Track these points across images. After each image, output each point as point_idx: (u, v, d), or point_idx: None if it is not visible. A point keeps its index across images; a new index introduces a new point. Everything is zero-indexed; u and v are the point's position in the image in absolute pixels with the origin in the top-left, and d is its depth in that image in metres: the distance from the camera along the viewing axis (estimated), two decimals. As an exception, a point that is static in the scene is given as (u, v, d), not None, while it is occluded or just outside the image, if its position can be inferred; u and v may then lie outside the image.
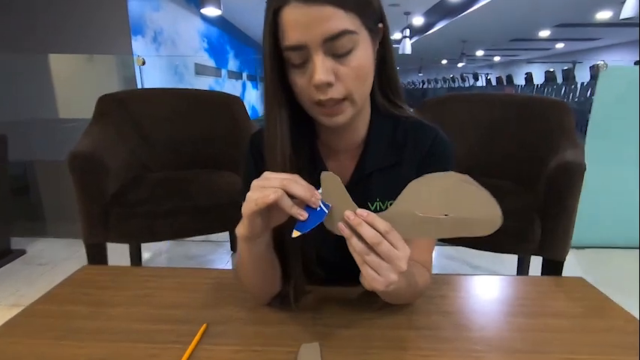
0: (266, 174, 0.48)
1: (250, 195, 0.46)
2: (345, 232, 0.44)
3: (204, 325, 0.56)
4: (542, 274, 1.19)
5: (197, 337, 0.54)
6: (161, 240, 1.34)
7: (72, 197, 1.19)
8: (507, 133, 1.36)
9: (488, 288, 0.71)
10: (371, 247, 0.43)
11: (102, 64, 2.60)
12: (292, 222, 0.46)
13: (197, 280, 0.72)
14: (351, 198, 0.48)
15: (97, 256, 1.22)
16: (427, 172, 0.62)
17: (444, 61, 18.33)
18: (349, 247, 0.44)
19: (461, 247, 1.75)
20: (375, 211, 0.47)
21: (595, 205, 1.96)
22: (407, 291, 0.56)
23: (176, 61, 4.86)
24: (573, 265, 1.86)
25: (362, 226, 0.43)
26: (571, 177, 1.04)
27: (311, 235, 0.61)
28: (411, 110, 0.65)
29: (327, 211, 0.46)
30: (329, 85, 0.50)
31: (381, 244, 0.42)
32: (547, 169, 1.12)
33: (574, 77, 7.25)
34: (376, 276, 0.43)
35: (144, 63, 2.09)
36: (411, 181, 0.62)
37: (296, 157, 0.56)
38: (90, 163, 1.14)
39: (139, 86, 2.43)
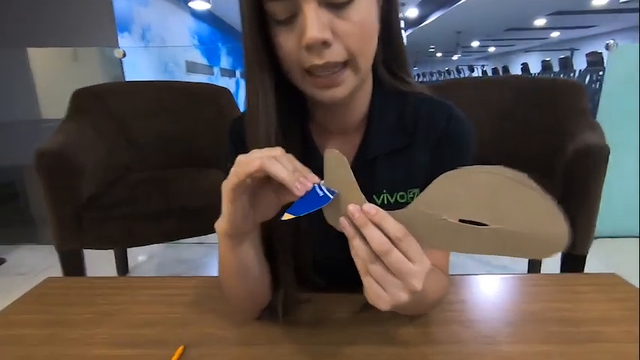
0: (253, 151, 0.38)
1: (231, 170, 0.37)
2: (348, 230, 0.34)
3: (180, 348, 0.47)
4: (561, 269, 1.09)
5: (169, 366, 0.44)
6: (144, 244, 1.24)
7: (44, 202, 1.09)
8: (518, 119, 1.26)
9: (513, 289, 0.62)
10: (378, 255, 0.33)
11: (87, 62, 2.49)
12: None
13: (175, 291, 0.62)
14: None
15: (72, 264, 1.12)
16: (443, 158, 0.52)
17: (439, 54, 18.22)
18: (351, 249, 0.35)
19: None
20: (382, 205, 0.37)
21: (607, 192, 1.86)
22: (419, 305, 0.47)
23: (166, 58, 4.74)
24: (596, 258, 1.77)
25: (368, 227, 0.33)
26: (593, 161, 0.94)
27: (306, 233, 0.51)
28: (420, 85, 0.55)
29: (331, 197, 0.36)
30: (325, 44, 0.39)
31: (390, 253, 0.33)
32: (565, 156, 1.02)
33: (572, 65, 7.17)
34: (381, 292, 0.33)
35: (124, 55, 1.98)
36: (422, 168, 0.52)
37: (283, 139, 0.46)
38: (60, 162, 1.04)
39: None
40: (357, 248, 0.34)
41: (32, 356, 0.47)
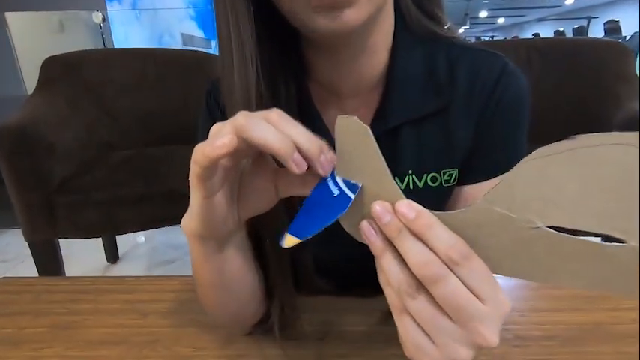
0: (238, 114, 0.25)
1: (197, 148, 0.24)
2: (373, 242, 0.22)
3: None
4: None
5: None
6: (127, 232, 1.13)
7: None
8: (552, 87, 1.10)
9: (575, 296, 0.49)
10: (422, 285, 0.21)
11: (73, 34, 2.33)
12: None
13: (150, 295, 0.51)
14: None
15: (44, 255, 1.01)
16: (491, 131, 0.38)
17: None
18: (378, 272, 0.23)
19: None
20: (408, 192, 0.24)
21: None
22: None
23: (160, 30, 4.52)
24: None
25: (406, 239, 0.21)
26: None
27: None
28: (453, 25, 0.41)
29: (352, 196, 0.23)
30: None
31: (445, 281, 0.20)
32: (610, 127, 0.89)
33: (587, 35, 6.84)
34: (426, 344, 0.21)
35: (104, 20, 1.81)
36: (462, 141, 0.38)
37: (271, 102, 0.33)
38: (24, 140, 0.90)
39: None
40: (388, 271, 0.21)
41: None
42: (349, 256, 0.35)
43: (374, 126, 0.39)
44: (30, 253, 1.69)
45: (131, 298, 0.51)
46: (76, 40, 2.44)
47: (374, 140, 0.23)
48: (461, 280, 0.20)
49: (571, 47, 1.10)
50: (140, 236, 1.89)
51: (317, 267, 0.43)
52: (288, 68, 0.37)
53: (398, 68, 0.38)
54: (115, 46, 2.30)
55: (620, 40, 2.07)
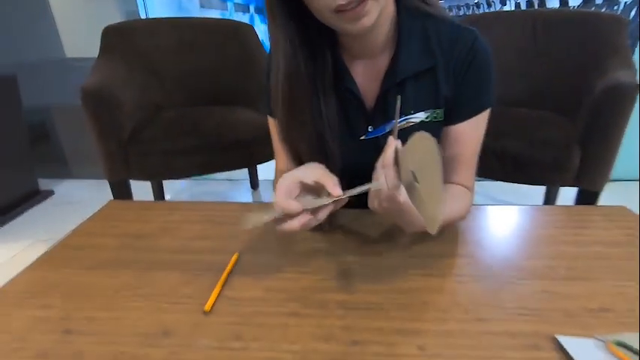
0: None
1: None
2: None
3: (235, 255, 0.55)
4: (576, 204, 1.14)
5: (230, 266, 0.53)
6: (181, 177, 1.34)
7: (89, 139, 1.17)
8: (551, 57, 1.22)
9: (525, 218, 0.67)
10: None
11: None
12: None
13: (223, 212, 0.70)
14: (383, 109, 0.51)
15: (121, 193, 1.23)
16: (466, 84, 0.58)
17: (469, -16, 16.60)
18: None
19: (485, 182, 1.71)
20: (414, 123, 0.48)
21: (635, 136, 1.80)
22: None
23: (179, -9, 4.51)
24: (609, 198, 1.80)
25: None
26: (620, 99, 0.93)
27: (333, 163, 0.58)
28: (444, 8, 0.58)
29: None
30: None
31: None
32: (593, 94, 1.01)
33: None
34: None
35: None
36: (445, 90, 0.58)
37: (314, 65, 0.54)
38: (102, 98, 1.09)
39: (143, 20, 2.27)
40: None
41: (112, 259, 0.57)
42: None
43: (386, 79, 0.57)
44: (89, 198, 1.94)
45: (208, 214, 0.70)
46: (104, 3, 2.54)
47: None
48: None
49: (574, 18, 1.20)
50: (175, 189, 2.12)
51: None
52: (325, 45, 0.56)
53: (402, 38, 0.56)
54: (141, 8, 2.40)
55: (615, 7, 2.10)
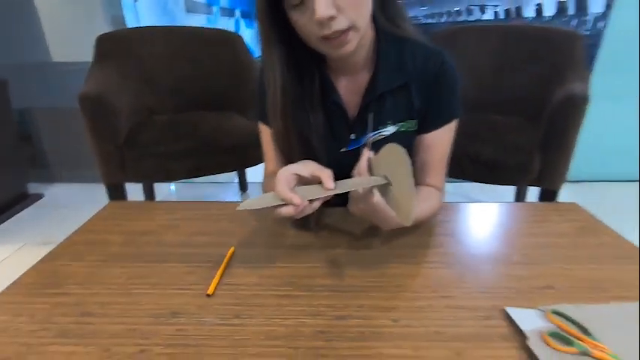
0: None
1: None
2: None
3: (231, 248, 0.62)
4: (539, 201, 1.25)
5: (227, 258, 0.59)
6: (176, 180, 1.39)
7: (77, 143, 1.21)
8: (519, 66, 1.33)
9: (490, 213, 0.76)
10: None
11: (84, 3, 2.44)
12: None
13: (219, 211, 0.76)
14: (364, 119, 0.59)
15: (117, 195, 1.27)
16: (436, 98, 0.66)
17: (451, -8, 17.02)
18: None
19: (461, 183, 1.81)
20: (391, 134, 0.58)
21: (594, 140, 1.96)
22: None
23: (165, -5, 4.52)
24: (569, 197, 1.92)
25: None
26: (574, 109, 1.05)
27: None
28: (414, 29, 0.66)
29: None
30: (331, 18, 0.51)
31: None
32: (551, 103, 1.12)
33: (586, 8, 6.77)
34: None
35: None
36: (418, 103, 0.66)
37: (301, 82, 0.61)
38: (101, 104, 1.14)
39: (129, 26, 2.30)
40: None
41: (121, 253, 0.63)
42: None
43: (367, 94, 0.65)
44: (80, 201, 1.95)
45: (206, 213, 0.75)
46: (88, 8, 2.54)
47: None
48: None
49: (539, 33, 1.32)
50: (171, 188, 2.16)
51: None
52: (313, 63, 0.63)
53: (381, 58, 0.64)
54: (130, 12, 2.42)
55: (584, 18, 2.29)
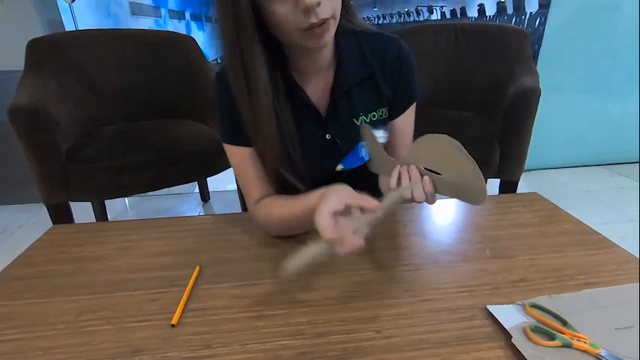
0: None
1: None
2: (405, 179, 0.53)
3: (197, 268, 0.57)
4: (499, 192, 1.31)
5: (193, 279, 0.55)
6: (129, 195, 1.28)
7: (7, 161, 1.07)
8: (471, 63, 1.38)
9: (456, 209, 0.77)
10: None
11: (16, 5, 2.23)
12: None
13: (180, 228, 0.71)
14: (336, 114, 0.61)
15: (62, 217, 1.15)
16: (400, 83, 0.67)
17: (399, -6, 17.66)
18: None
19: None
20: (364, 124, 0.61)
21: (543, 130, 2.10)
22: None
23: (107, -1, 4.27)
24: (526, 185, 2.04)
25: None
26: (528, 102, 1.10)
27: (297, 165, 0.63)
28: (365, 22, 0.67)
29: (366, 159, 0.61)
30: (318, 4, 0.49)
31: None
32: (505, 98, 1.17)
33: (524, 7, 7.33)
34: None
35: (73, 0, 1.81)
36: (385, 90, 0.67)
37: (271, 84, 0.57)
38: (36, 116, 1.02)
39: (68, 29, 2.13)
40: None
41: (67, 284, 0.55)
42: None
43: (334, 90, 0.64)
44: (16, 225, 1.76)
45: (165, 230, 0.69)
46: (19, 11, 2.34)
47: (375, 135, 0.53)
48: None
49: (487, 31, 1.37)
50: (126, 203, 2.01)
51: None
52: (276, 65, 0.60)
53: (342, 53, 0.63)
54: (62, 14, 2.24)
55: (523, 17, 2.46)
